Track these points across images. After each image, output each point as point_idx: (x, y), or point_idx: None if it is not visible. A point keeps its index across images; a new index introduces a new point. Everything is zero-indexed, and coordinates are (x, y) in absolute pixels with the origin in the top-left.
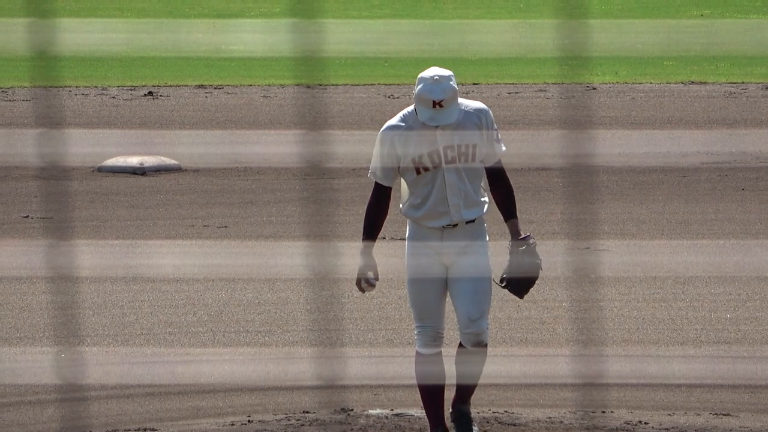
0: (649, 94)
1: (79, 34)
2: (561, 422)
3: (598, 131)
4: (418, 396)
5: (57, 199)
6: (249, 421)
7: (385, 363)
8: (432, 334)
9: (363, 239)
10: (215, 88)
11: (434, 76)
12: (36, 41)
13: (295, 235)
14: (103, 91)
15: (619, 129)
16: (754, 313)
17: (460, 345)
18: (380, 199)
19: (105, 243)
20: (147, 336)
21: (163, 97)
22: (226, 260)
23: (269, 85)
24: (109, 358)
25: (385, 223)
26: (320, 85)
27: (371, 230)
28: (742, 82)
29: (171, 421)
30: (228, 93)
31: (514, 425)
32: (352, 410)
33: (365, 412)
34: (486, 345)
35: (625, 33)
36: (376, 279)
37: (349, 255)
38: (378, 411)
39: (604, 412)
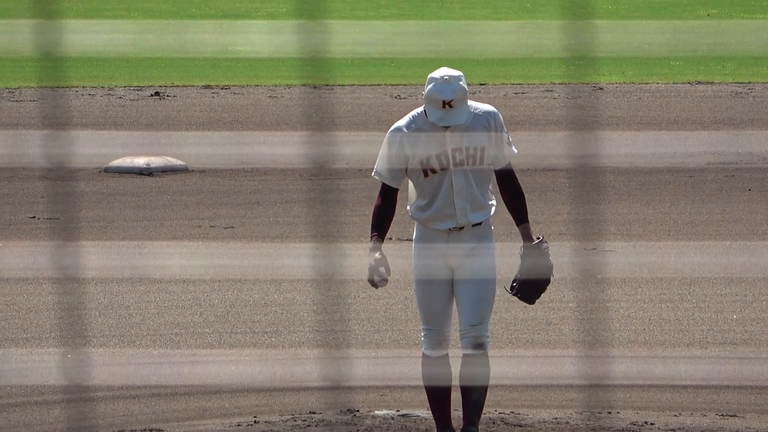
0: (655, 94)
1: (86, 35)
2: (567, 423)
3: (605, 131)
4: (424, 397)
5: (63, 199)
6: (255, 421)
7: (391, 364)
8: (438, 338)
9: (371, 239)
10: (222, 89)
11: (444, 76)
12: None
13: (301, 235)
14: (110, 92)
15: (625, 129)
16: (761, 314)
17: (463, 355)
18: (387, 200)
19: (111, 244)
20: (153, 337)
21: (169, 98)
22: (233, 261)
23: (276, 86)
24: (115, 359)
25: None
26: (327, 85)
27: (379, 230)
28: (749, 82)
29: (177, 422)
30: (234, 93)
31: (521, 426)
32: (358, 411)
33: (371, 413)
34: (485, 349)
35: (631, 33)
36: (388, 274)
37: (356, 256)
38: (384, 412)
39: (610, 412)
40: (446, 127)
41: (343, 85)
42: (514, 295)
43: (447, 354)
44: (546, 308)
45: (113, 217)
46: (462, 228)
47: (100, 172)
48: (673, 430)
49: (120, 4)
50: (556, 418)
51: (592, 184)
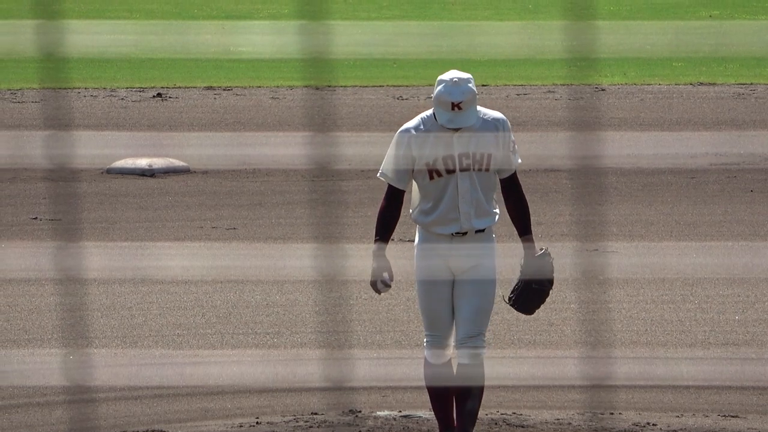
0: (657, 95)
1: (87, 36)
2: (569, 424)
3: (607, 132)
4: (426, 398)
5: (66, 200)
6: (257, 422)
7: (393, 365)
8: (442, 344)
9: (375, 241)
10: (224, 90)
11: (453, 78)
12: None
13: (303, 236)
14: (112, 93)
15: (627, 130)
16: (763, 314)
17: (459, 364)
18: (393, 201)
19: (113, 245)
20: (155, 337)
21: (171, 99)
22: (235, 262)
23: (278, 87)
24: (117, 360)
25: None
26: (329, 86)
27: (384, 233)
28: (751, 83)
29: (179, 423)
30: (237, 94)
31: (523, 427)
32: (360, 412)
33: (373, 414)
34: (481, 359)
35: (633, 34)
36: (392, 279)
37: (358, 257)
38: (386, 413)
39: (612, 413)
40: (455, 131)
41: (345, 86)
42: (511, 305)
43: (450, 359)
44: (548, 309)
45: (115, 218)
46: (465, 233)
47: (102, 173)
48: (675, 430)
49: (122, 5)
50: (558, 419)
51: (594, 185)
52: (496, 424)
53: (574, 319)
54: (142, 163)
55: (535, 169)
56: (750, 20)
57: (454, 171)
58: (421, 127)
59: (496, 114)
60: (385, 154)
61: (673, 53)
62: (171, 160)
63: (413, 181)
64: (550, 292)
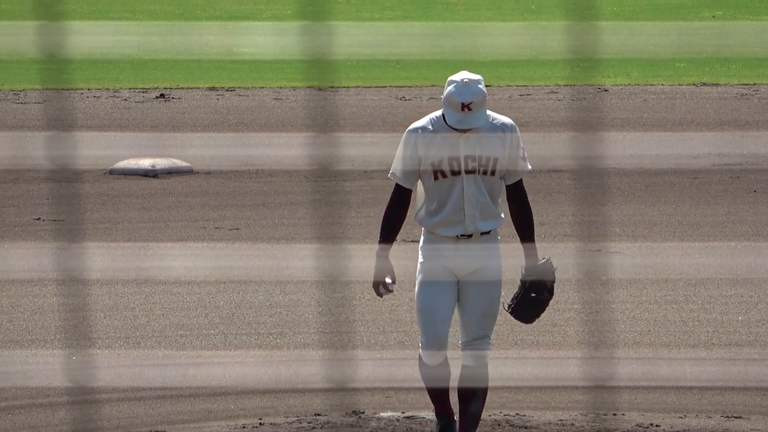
0: (660, 95)
1: (90, 37)
2: (572, 425)
3: (610, 133)
4: (428, 399)
5: (69, 201)
6: (260, 423)
7: (396, 365)
8: (437, 344)
9: (380, 242)
10: (227, 91)
11: (464, 79)
12: (47, 44)
13: (306, 237)
14: (115, 94)
15: (630, 131)
16: (766, 315)
17: (463, 366)
18: (400, 200)
19: (116, 245)
20: (158, 338)
21: (174, 100)
22: (238, 262)
23: (281, 88)
24: (120, 361)
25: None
26: (331, 87)
27: (388, 233)
28: (754, 84)
29: (182, 424)
30: (239, 95)
31: (526, 428)
32: (363, 413)
33: (376, 415)
34: (485, 361)
35: (636, 35)
36: (394, 282)
37: (361, 257)
38: (389, 413)
39: (615, 414)
40: (462, 132)
41: (348, 87)
42: (509, 313)
43: (445, 357)
44: (551, 309)
45: (118, 218)
46: (470, 236)
47: (105, 173)
48: (678, 431)
49: (125, 5)
50: (561, 420)
51: (596, 186)
52: (499, 425)
53: (577, 319)
54: (145, 163)
55: (538, 170)
56: (753, 21)
57: (459, 173)
58: (429, 127)
59: (506, 119)
60: (395, 154)
61: (676, 54)
62: (174, 160)
63: (420, 182)
64: (550, 302)
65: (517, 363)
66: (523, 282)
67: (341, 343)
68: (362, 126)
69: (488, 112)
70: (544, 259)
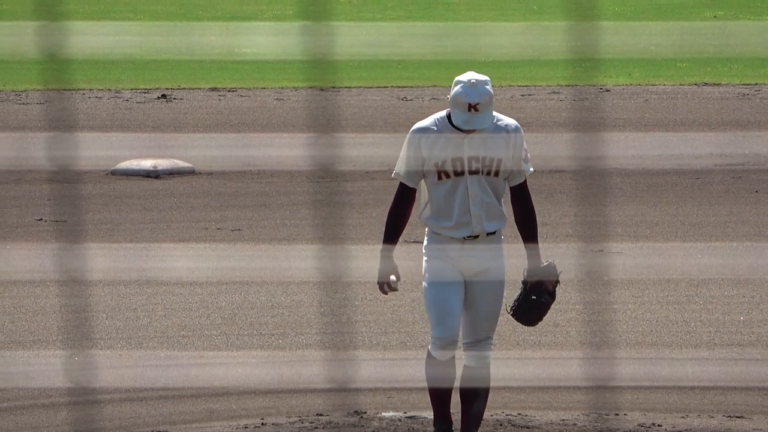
0: (662, 95)
1: (92, 37)
2: (574, 425)
3: (611, 133)
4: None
5: (70, 202)
6: (262, 423)
7: (398, 366)
8: (449, 339)
9: (384, 242)
10: (228, 91)
11: (471, 79)
12: (48, 44)
13: (308, 238)
14: (117, 94)
15: (632, 131)
16: None
17: (465, 366)
18: (404, 200)
19: (118, 246)
20: (160, 339)
21: (176, 100)
22: (240, 263)
23: (282, 88)
24: (122, 361)
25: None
26: (333, 87)
27: (392, 233)
28: (756, 84)
29: (184, 424)
30: (241, 96)
31: (528, 428)
32: (365, 413)
33: (378, 415)
34: (488, 362)
35: (638, 35)
36: (399, 281)
37: (362, 258)
38: (391, 414)
39: (617, 414)
40: (466, 133)
41: (349, 87)
42: (512, 315)
43: (454, 356)
44: (553, 310)
45: (120, 219)
46: (477, 237)
47: (106, 174)
48: (680, 431)
49: (126, 6)
50: (563, 420)
51: (598, 186)
52: (501, 425)
53: (579, 320)
54: (147, 164)
55: (539, 170)
56: (755, 21)
57: (462, 173)
58: (434, 127)
59: (510, 121)
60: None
61: (678, 54)
62: (176, 161)
63: (423, 183)
64: (552, 305)
65: (519, 363)
66: (524, 284)
67: (343, 343)
68: (364, 126)
69: (494, 113)
70: (547, 261)
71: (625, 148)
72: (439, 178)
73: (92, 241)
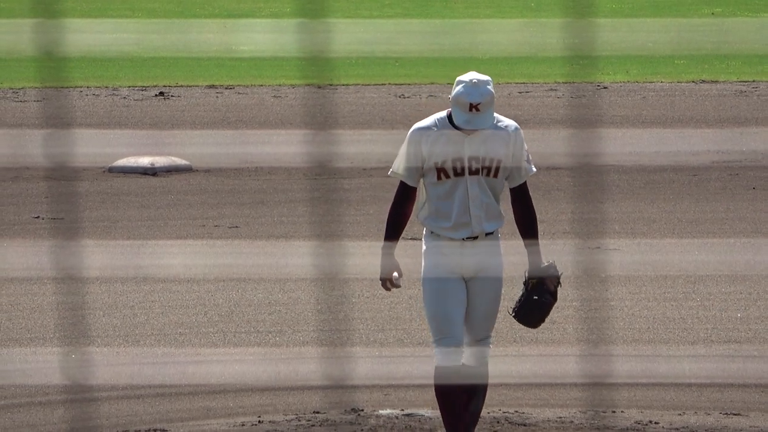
0: (659, 93)
1: (89, 35)
2: (571, 422)
3: (609, 130)
4: (428, 396)
5: (67, 199)
6: (259, 421)
7: (395, 363)
8: (453, 345)
9: (385, 239)
10: (226, 89)
11: (473, 79)
12: (45, 41)
13: (305, 235)
14: (114, 92)
15: (629, 128)
16: (765, 312)
17: (463, 365)
18: (404, 198)
19: (115, 243)
20: (157, 336)
21: (173, 98)
22: (237, 260)
23: (280, 85)
24: (119, 359)
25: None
26: (330, 85)
27: (394, 230)
28: (753, 81)
29: (181, 422)
30: (239, 93)
31: (525, 425)
32: (362, 410)
33: (375, 413)
34: (486, 360)
35: (635, 32)
36: (401, 276)
37: (359, 255)
38: (388, 411)
39: (614, 411)
40: (468, 133)
41: (347, 85)
42: (513, 317)
43: (462, 363)
44: None
45: (117, 216)
46: (476, 237)
47: (104, 171)
48: (677, 428)
49: (124, 3)
50: (560, 417)
51: (595, 183)
52: (498, 422)
53: (576, 316)
54: (144, 161)
55: (537, 167)
56: (752, 18)
57: (462, 173)
58: (434, 127)
59: (511, 122)
60: (398, 152)
61: (675, 51)
62: (173, 158)
63: (423, 182)
64: (554, 306)
65: (516, 360)
66: (525, 284)
67: (340, 340)
68: (361, 124)
69: (494, 114)
70: (547, 262)
71: (623, 145)
72: (439, 177)
73: (89, 239)
